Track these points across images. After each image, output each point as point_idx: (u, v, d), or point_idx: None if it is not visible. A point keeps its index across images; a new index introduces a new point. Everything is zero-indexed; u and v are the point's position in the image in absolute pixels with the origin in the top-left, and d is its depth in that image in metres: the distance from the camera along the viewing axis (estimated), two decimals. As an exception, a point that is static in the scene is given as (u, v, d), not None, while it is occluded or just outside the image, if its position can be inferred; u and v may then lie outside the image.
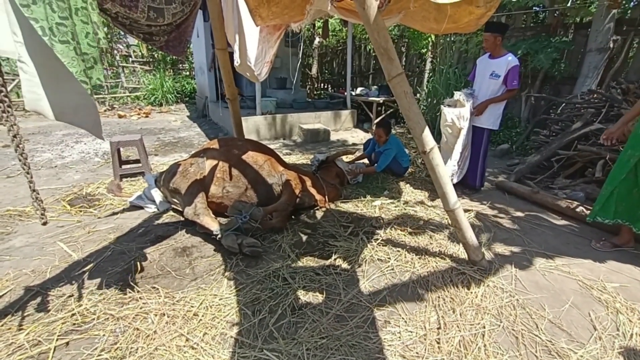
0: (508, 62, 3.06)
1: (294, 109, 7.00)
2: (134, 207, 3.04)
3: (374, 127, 6.44)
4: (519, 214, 3.11)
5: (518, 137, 5.26)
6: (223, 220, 2.71)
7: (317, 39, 9.92)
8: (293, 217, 2.94)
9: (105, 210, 3.01)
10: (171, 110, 9.36)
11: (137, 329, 1.65)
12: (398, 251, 2.40)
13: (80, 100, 1.36)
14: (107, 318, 1.73)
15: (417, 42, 7.10)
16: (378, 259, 2.31)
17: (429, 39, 6.86)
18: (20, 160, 1.36)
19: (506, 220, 2.97)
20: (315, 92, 10.96)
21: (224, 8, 2.91)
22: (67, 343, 1.58)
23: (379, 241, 2.52)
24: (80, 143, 5.48)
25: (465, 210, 2.84)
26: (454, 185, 2.16)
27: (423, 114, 2.45)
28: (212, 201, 2.69)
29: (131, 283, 2.00)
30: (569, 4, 4.71)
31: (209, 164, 2.77)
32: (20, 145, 1.33)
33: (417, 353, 1.56)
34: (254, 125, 5.94)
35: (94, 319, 1.72)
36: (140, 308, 1.79)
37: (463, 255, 2.32)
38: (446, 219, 2.89)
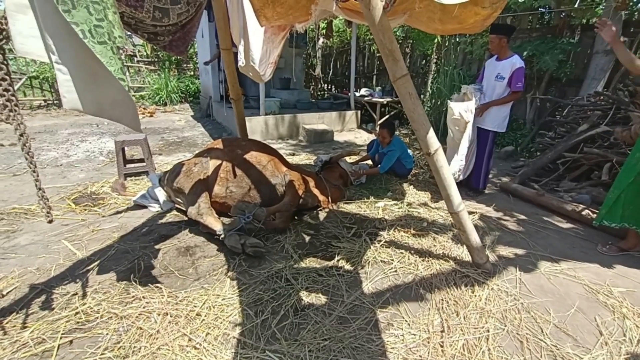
0: (513, 64, 3.04)
1: (297, 109, 7.01)
2: (137, 206, 3.06)
3: (377, 128, 6.43)
4: (524, 216, 3.08)
5: (523, 139, 5.22)
6: (226, 220, 2.71)
7: (321, 40, 9.92)
8: (296, 217, 2.94)
9: (109, 209, 3.03)
10: (175, 110, 9.41)
11: (140, 328, 1.66)
12: (401, 253, 2.39)
13: (117, 96, 1.42)
14: (111, 317, 1.73)
15: (422, 43, 7.08)
16: (381, 260, 2.30)
17: (435, 40, 6.83)
18: (26, 159, 1.37)
19: (511, 223, 2.94)
20: (318, 93, 10.96)
21: (229, 8, 2.92)
22: (71, 341, 1.59)
23: (382, 243, 2.51)
24: (86, 142, 5.52)
25: (469, 213, 2.82)
26: (457, 186, 2.15)
27: (427, 115, 2.44)
28: (215, 201, 2.70)
29: (130, 285, 2.01)
30: (576, 5, 4.66)
31: (212, 163, 2.77)
32: (27, 144, 1.34)
33: (420, 356, 1.55)
34: (257, 126, 5.95)
35: (97, 317, 1.73)
36: (144, 307, 1.80)
37: (467, 257, 2.30)
38: (450, 220, 2.87)
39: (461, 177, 3.34)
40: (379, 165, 3.76)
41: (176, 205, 2.99)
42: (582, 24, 4.97)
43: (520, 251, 2.48)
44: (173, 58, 11.15)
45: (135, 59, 10.81)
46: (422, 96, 7.13)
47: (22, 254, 2.30)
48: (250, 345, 1.58)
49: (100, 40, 1.24)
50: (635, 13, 4.82)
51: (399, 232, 2.69)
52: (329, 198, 3.14)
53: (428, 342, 1.63)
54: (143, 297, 1.88)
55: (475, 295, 1.95)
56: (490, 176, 4.19)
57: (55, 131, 6.20)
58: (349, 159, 4.10)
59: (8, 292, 1.90)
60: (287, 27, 3.06)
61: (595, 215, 2.70)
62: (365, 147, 5.01)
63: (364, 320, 1.76)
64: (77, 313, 1.75)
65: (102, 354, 1.51)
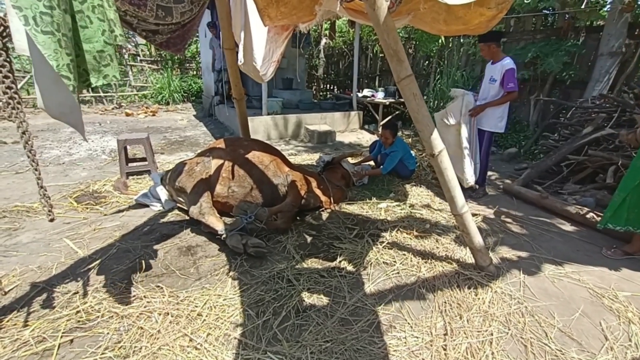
0: (503, 67, 3.11)
1: (299, 109, 7.00)
2: (139, 205, 3.05)
3: (380, 129, 6.42)
4: (527, 219, 3.06)
5: (526, 141, 5.19)
6: (228, 220, 2.70)
7: (324, 40, 9.90)
8: (298, 218, 2.93)
9: (111, 207, 3.03)
10: (178, 109, 9.42)
11: (141, 328, 1.65)
12: (404, 254, 2.37)
13: (72, 99, 1.33)
14: (112, 316, 1.73)
15: (425, 44, 7.06)
16: (383, 262, 2.29)
17: (438, 41, 6.81)
18: (29, 157, 1.37)
19: (514, 225, 2.92)
20: (321, 93, 10.95)
21: (232, 8, 2.92)
22: (72, 340, 1.58)
23: (384, 244, 2.50)
24: (88, 140, 5.53)
25: (472, 215, 2.80)
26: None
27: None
28: (217, 201, 2.69)
29: (131, 284, 2.00)
30: (582, 6, 4.63)
31: (214, 163, 2.77)
32: (29, 142, 1.33)
33: (423, 359, 1.53)
34: (259, 125, 5.95)
35: (98, 316, 1.72)
36: (145, 307, 1.79)
37: (470, 260, 2.29)
38: (453, 222, 2.86)
39: (472, 181, 3.37)
40: (382, 166, 3.75)
41: (178, 205, 2.98)
42: (586, 26, 4.94)
43: (523, 254, 2.46)
44: (176, 58, 11.18)
45: (139, 58, 10.83)
46: (424, 97, 7.11)
47: (23, 252, 2.30)
48: (252, 347, 1.57)
49: (45, 30, 1.10)
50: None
51: (401, 233, 2.68)
52: (331, 199, 3.13)
53: (431, 345, 1.61)
54: (144, 296, 1.88)
55: (479, 298, 1.93)
56: (493, 178, 4.18)
57: (58, 129, 6.21)
58: (352, 160, 4.09)
59: (9, 290, 1.90)
60: (290, 27, 3.05)
61: (599, 218, 2.67)
62: (368, 148, 5.00)
63: (366, 322, 1.75)
64: (78, 312, 1.74)
65: (102, 354, 1.51)
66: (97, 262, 2.20)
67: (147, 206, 3.03)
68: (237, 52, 2.97)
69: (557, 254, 2.46)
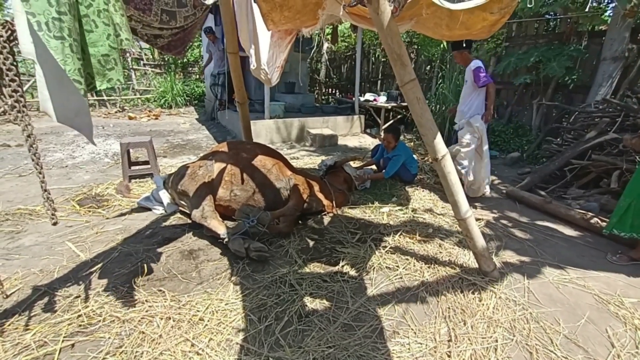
0: (470, 68, 3.41)
1: (302, 113, 7.01)
2: (141, 209, 3.05)
3: (382, 133, 6.42)
4: (531, 223, 3.04)
5: (529, 146, 5.18)
6: (230, 223, 2.70)
7: (326, 45, 9.96)
8: (300, 222, 2.92)
9: (113, 211, 3.03)
10: (180, 113, 9.47)
11: (143, 333, 1.64)
12: (407, 259, 2.35)
13: (80, 103, 1.34)
14: (113, 320, 1.72)
15: (427, 49, 7.09)
16: (386, 266, 2.27)
17: (440, 45, 6.83)
18: (33, 160, 1.37)
19: (517, 230, 2.90)
20: (323, 97, 10.98)
21: (237, 12, 2.94)
22: (73, 345, 1.57)
23: (387, 249, 2.48)
24: (91, 144, 5.55)
25: (476, 219, 2.79)
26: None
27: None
28: (219, 204, 2.69)
29: (133, 288, 1.99)
30: (586, 9, 4.64)
31: (217, 167, 2.77)
32: (34, 145, 1.34)
33: (427, 366, 1.52)
34: (262, 129, 5.96)
35: (99, 320, 1.71)
36: (146, 311, 1.78)
37: (473, 265, 2.27)
38: (456, 227, 2.84)
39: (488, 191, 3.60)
40: (384, 170, 3.74)
41: (180, 208, 2.98)
42: (589, 30, 4.94)
43: (527, 259, 2.44)
44: (179, 61, 11.25)
45: (142, 62, 10.91)
46: (427, 101, 7.12)
47: (26, 255, 2.30)
48: (254, 352, 1.56)
49: (57, 35, 1.12)
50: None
51: (404, 238, 2.66)
52: (334, 203, 3.12)
53: (435, 352, 1.59)
54: (146, 300, 1.87)
55: (483, 304, 1.91)
56: (495, 182, 4.17)
57: (62, 133, 6.24)
58: (354, 164, 4.08)
59: (11, 294, 1.90)
60: (293, 31, 3.07)
61: (604, 223, 2.66)
62: (370, 152, 5.00)
63: (369, 327, 1.73)
64: (79, 316, 1.74)
65: (104, 359, 1.50)
66: (99, 265, 2.20)
67: (150, 209, 3.03)
68: (244, 57, 2.99)
69: (562, 259, 2.44)
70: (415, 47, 7.87)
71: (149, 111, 9.13)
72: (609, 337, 1.72)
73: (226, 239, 2.34)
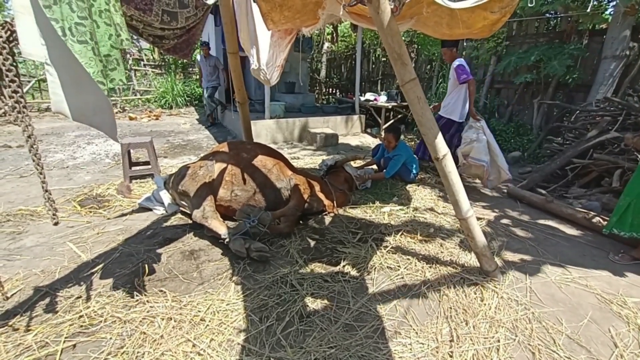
0: (452, 65, 3.69)
1: (302, 113, 7.02)
2: (142, 209, 3.05)
3: (382, 133, 6.41)
4: (532, 223, 3.03)
5: (530, 145, 5.17)
6: (231, 223, 2.70)
7: (327, 44, 9.97)
8: (301, 222, 2.92)
9: (114, 211, 3.03)
10: (181, 113, 9.47)
11: (144, 333, 1.64)
12: (408, 259, 2.35)
13: (99, 102, 1.36)
14: (114, 321, 1.72)
15: (428, 48, 7.08)
16: (387, 266, 2.26)
17: (441, 44, 6.81)
18: (34, 161, 1.37)
19: (519, 230, 2.89)
20: (323, 97, 10.98)
21: (237, 12, 2.93)
22: (74, 345, 1.57)
23: (388, 248, 2.48)
24: (92, 144, 5.56)
25: (477, 219, 2.78)
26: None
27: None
28: (220, 204, 2.69)
29: (134, 288, 1.99)
30: (587, 10, 4.62)
31: (218, 167, 2.77)
32: (35, 146, 1.34)
33: (429, 366, 1.51)
34: (262, 129, 5.96)
35: (101, 321, 1.71)
36: (147, 312, 1.78)
37: (475, 264, 2.26)
38: (457, 226, 2.83)
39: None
40: (385, 170, 3.74)
41: (181, 209, 2.98)
42: (590, 29, 4.92)
43: (529, 258, 2.43)
44: (179, 62, 11.27)
45: (142, 62, 10.93)
46: (427, 100, 7.11)
47: (27, 256, 2.30)
48: (255, 352, 1.56)
49: (80, 40, 1.17)
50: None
51: (405, 237, 2.65)
52: (334, 202, 3.12)
53: (437, 352, 1.59)
54: (147, 301, 1.87)
55: (485, 304, 1.91)
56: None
57: (63, 133, 6.25)
58: (354, 164, 4.08)
59: (12, 295, 1.90)
60: (293, 31, 3.07)
61: (605, 222, 2.65)
62: (370, 152, 4.99)
63: (371, 328, 1.73)
64: (80, 317, 1.73)
65: (105, 359, 1.49)
66: (100, 266, 2.20)
67: (151, 210, 3.03)
68: (244, 57, 2.99)
69: (564, 259, 2.43)
70: (416, 46, 7.86)
71: (150, 112, 9.14)
72: (612, 337, 1.71)
73: (227, 239, 2.34)
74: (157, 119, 8.45)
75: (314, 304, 1.89)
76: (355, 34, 7.98)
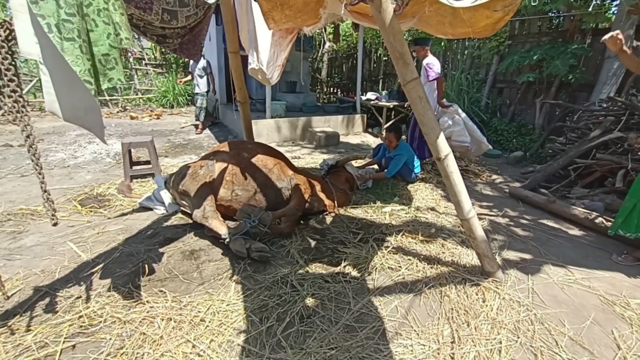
0: (423, 63, 3.96)
1: (303, 112, 7.00)
2: (143, 209, 3.05)
3: (384, 132, 6.39)
4: (535, 223, 3.01)
5: (532, 145, 5.14)
6: (232, 223, 2.69)
7: (328, 44, 9.93)
8: (302, 222, 2.91)
9: (115, 211, 3.02)
10: (182, 113, 9.47)
11: (144, 334, 1.63)
12: (409, 259, 2.34)
13: (89, 102, 1.34)
14: (114, 321, 1.71)
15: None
16: (389, 267, 2.25)
17: (442, 43, 6.79)
18: (32, 160, 1.37)
19: (521, 230, 2.88)
20: (324, 96, 10.96)
21: (237, 12, 2.92)
22: (74, 346, 1.57)
23: (389, 249, 2.46)
24: (93, 143, 5.56)
25: (479, 219, 2.77)
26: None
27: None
28: (220, 204, 2.68)
29: (134, 289, 1.98)
30: (590, 9, 4.59)
31: (218, 166, 2.76)
32: (34, 146, 1.33)
33: (430, 368, 1.50)
34: (263, 129, 5.95)
35: (101, 321, 1.70)
36: (147, 312, 1.77)
37: (477, 265, 2.25)
38: (459, 227, 2.82)
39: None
40: (386, 170, 3.72)
41: (181, 208, 2.98)
42: (593, 28, 4.89)
43: (531, 259, 2.42)
44: (180, 61, 11.26)
45: (144, 61, 10.93)
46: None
47: (27, 256, 2.29)
48: (255, 353, 1.55)
49: (67, 37, 1.14)
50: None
51: (406, 237, 2.64)
52: (335, 202, 3.11)
53: (438, 353, 1.57)
54: (147, 301, 1.86)
55: (486, 305, 1.89)
56: (498, 181, 4.15)
57: (64, 132, 6.26)
58: (355, 163, 4.07)
59: (12, 295, 1.89)
60: (294, 30, 3.05)
61: (609, 223, 2.63)
62: (372, 151, 4.98)
63: (372, 329, 1.71)
64: (80, 317, 1.73)
65: (104, 360, 1.49)
66: (101, 266, 2.19)
67: (151, 209, 3.03)
68: (245, 56, 2.98)
69: (566, 260, 2.41)
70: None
71: (151, 111, 9.14)
72: (615, 338, 1.70)
73: (227, 239, 2.33)
74: (158, 118, 8.46)
75: (314, 304, 1.88)
76: (356, 33, 7.96)
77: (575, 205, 3.18)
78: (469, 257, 2.38)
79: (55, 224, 1.45)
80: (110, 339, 1.60)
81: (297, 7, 2.37)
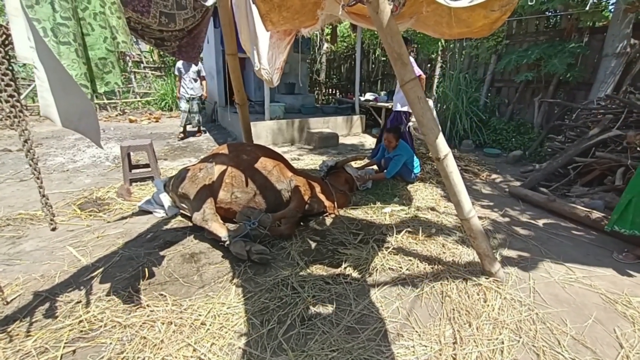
0: None
1: (302, 114, 7.00)
2: (142, 212, 3.04)
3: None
4: (535, 222, 3.01)
5: (531, 144, 5.14)
6: (231, 226, 2.68)
7: (326, 45, 9.95)
8: (302, 223, 2.90)
9: (114, 214, 3.02)
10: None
11: (144, 338, 1.62)
12: (410, 260, 2.33)
13: (84, 106, 1.33)
14: (114, 325, 1.70)
15: (427, 47, 7.06)
16: (389, 268, 2.25)
17: (439, 43, 6.81)
18: (30, 165, 1.36)
19: (521, 229, 2.87)
20: (323, 98, 10.97)
21: (236, 14, 2.92)
22: (74, 351, 1.56)
23: (389, 249, 2.46)
24: (92, 147, 5.55)
25: (479, 218, 2.76)
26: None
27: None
28: (220, 207, 2.67)
29: (134, 292, 1.97)
30: (587, 8, 4.60)
31: (217, 169, 2.75)
32: (31, 151, 1.33)
33: (432, 369, 1.49)
34: (262, 131, 5.95)
35: (101, 326, 1.70)
36: (147, 316, 1.76)
37: (478, 265, 2.24)
38: (459, 227, 2.81)
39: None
40: (385, 170, 3.72)
41: (181, 211, 2.97)
42: (590, 27, 4.90)
43: (532, 258, 2.41)
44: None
45: (142, 65, 10.93)
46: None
47: (27, 260, 2.28)
48: (256, 356, 1.54)
49: (63, 41, 1.14)
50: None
51: (406, 238, 2.64)
52: (335, 204, 3.10)
53: (440, 354, 1.57)
54: (147, 305, 1.85)
55: (488, 305, 1.89)
56: (498, 180, 4.15)
57: (62, 137, 6.25)
58: (355, 164, 4.07)
59: (12, 300, 1.88)
60: (292, 32, 3.05)
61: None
62: (371, 152, 4.98)
63: (373, 330, 1.71)
64: (80, 321, 1.72)
65: (105, 365, 1.48)
66: (100, 270, 2.19)
67: (151, 213, 3.02)
68: (243, 59, 2.98)
69: (567, 258, 2.41)
70: (415, 45, 7.85)
71: (150, 114, 9.14)
72: (617, 337, 1.69)
73: (227, 242, 2.32)
74: (157, 121, 8.45)
75: (315, 306, 1.87)
76: (354, 34, 7.96)
77: (575, 203, 3.18)
78: (469, 257, 2.37)
79: (54, 229, 1.44)
80: (111, 343, 1.60)
81: (295, 8, 2.37)
